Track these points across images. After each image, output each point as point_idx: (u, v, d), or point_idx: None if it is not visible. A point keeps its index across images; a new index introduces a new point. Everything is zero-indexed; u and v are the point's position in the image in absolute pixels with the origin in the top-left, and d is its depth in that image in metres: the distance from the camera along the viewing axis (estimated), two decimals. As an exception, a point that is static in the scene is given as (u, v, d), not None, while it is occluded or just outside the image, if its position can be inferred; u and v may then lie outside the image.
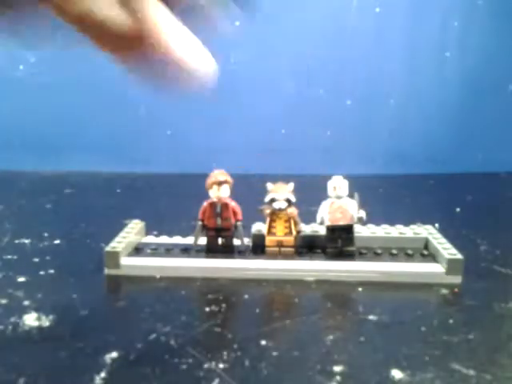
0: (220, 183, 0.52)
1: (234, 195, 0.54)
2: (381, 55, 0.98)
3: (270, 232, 0.55)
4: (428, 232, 0.58)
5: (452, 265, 0.49)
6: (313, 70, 0.99)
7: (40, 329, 0.40)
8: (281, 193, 0.53)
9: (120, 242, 0.54)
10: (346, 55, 0.98)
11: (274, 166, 0.95)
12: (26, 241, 0.61)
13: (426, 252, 0.54)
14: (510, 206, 0.81)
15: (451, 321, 0.42)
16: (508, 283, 0.50)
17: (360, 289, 0.49)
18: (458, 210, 0.76)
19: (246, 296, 0.47)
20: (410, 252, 0.54)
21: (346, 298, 0.48)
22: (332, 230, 0.54)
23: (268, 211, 0.54)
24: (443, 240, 0.55)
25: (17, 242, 0.61)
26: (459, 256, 0.50)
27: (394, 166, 1.02)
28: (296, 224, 0.55)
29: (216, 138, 1.00)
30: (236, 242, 0.55)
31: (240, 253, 0.54)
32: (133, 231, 0.57)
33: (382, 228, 0.59)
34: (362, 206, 0.53)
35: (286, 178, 0.55)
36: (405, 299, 0.47)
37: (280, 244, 0.54)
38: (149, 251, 0.55)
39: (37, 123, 1.01)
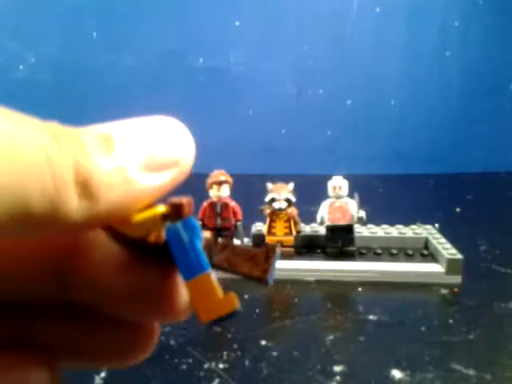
0: (220, 183, 0.52)
1: (233, 195, 0.54)
2: (381, 55, 0.98)
3: (269, 232, 0.55)
4: (428, 232, 0.58)
5: (452, 265, 0.49)
6: (313, 70, 0.99)
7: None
8: (281, 193, 0.53)
9: (120, 242, 0.53)
10: (346, 55, 0.98)
11: (274, 166, 0.95)
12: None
13: (425, 252, 0.54)
14: (510, 206, 0.81)
15: (451, 321, 0.42)
16: (508, 283, 0.50)
17: (360, 289, 0.49)
18: (458, 209, 0.76)
19: (246, 296, 0.47)
20: (410, 252, 0.54)
21: (346, 297, 0.48)
22: (332, 229, 0.54)
23: (268, 211, 0.54)
24: (443, 240, 0.55)
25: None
26: (459, 256, 0.50)
27: (394, 166, 1.02)
28: (296, 224, 0.55)
29: (216, 137, 1.00)
30: (236, 241, 0.55)
31: (240, 253, 0.54)
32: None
33: (382, 228, 0.59)
34: (361, 205, 0.53)
35: (285, 178, 0.55)
36: (405, 299, 0.47)
37: (280, 244, 0.54)
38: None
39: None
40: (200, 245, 0.14)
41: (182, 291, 0.15)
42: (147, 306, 0.15)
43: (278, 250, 0.15)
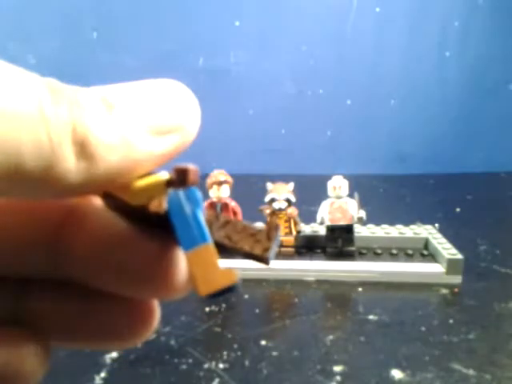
0: (220, 183, 0.52)
1: (233, 195, 0.54)
2: (381, 55, 0.98)
3: (270, 232, 0.55)
4: (428, 232, 0.58)
5: (452, 265, 0.49)
6: (313, 70, 0.99)
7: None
8: (281, 193, 0.53)
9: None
10: (345, 55, 0.98)
11: (274, 166, 0.95)
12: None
13: (425, 252, 0.54)
14: (510, 206, 0.81)
15: (451, 321, 0.42)
16: (508, 283, 0.50)
17: (360, 289, 0.49)
18: (458, 209, 0.76)
19: (246, 296, 0.47)
20: (410, 252, 0.54)
21: (346, 297, 0.48)
22: (332, 229, 0.54)
23: (268, 211, 0.54)
24: (443, 240, 0.55)
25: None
26: (459, 256, 0.50)
27: (393, 166, 1.02)
28: (296, 224, 0.55)
29: (216, 137, 1.00)
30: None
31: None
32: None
33: (382, 228, 0.59)
34: (362, 205, 0.53)
35: (285, 178, 0.55)
36: (405, 299, 0.47)
37: (280, 244, 0.54)
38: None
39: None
40: (202, 216, 0.14)
41: (181, 267, 0.14)
42: (144, 281, 0.14)
43: (280, 228, 0.15)
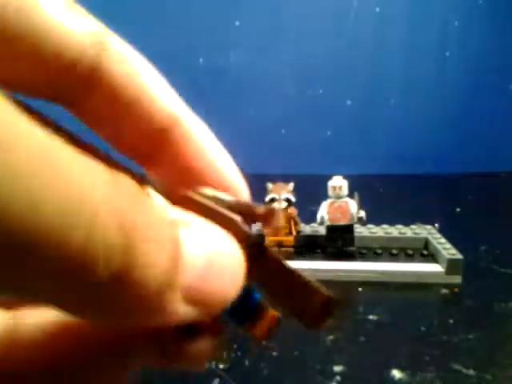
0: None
1: (233, 195, 0.54)
2: (381, 55, 0.98)
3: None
4: (428, 232, 0.58)
5: (452, 265, 0.49)
6: (313, 70, 0.99)
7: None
8: (281, 193, 0.53)
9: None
10: (346, 55, 0.98)
11: (274, 165, 0.95)
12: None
13: (425, 252, 0.54)
14: (510, 206, 0.81)
15: (451, 321, 0.42)
16: (508, 283, 0.50)
17: (360, 289, 0.49)
18: (458, 210, 0.76)
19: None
20: (410, 252, 0.54)
21: (346, 297, 0.48)
22: (332, 229, 0.54)
23: (268, 211, 0.54)
24: (443, 240, 0.55)
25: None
26: (459, 256, 0.50)
27: (394, 166, 1.02)
28: (296, 224, 0.55)
29: (216, 138, 1.00)
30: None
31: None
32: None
33: (382, 228, 0.59)
34: (362, 205, 0.53)
35: (286, 178, 0.55)
36: (405, 299, 0.47)
37: (280, 244, 0.54)
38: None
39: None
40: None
41: None
42: None
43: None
